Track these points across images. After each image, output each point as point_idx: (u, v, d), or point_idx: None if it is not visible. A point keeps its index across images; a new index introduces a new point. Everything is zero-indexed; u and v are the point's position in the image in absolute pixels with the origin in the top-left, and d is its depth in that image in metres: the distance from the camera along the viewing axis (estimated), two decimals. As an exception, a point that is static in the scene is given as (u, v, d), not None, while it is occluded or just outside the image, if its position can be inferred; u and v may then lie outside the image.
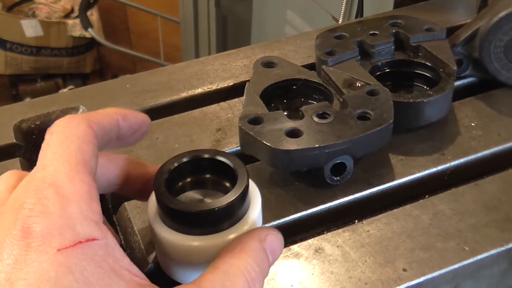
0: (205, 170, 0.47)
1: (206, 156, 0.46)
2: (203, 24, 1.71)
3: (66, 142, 0.37)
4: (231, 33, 1.68)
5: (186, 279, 0.44)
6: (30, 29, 2.59)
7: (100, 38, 2.44)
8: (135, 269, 0.36)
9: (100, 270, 0.33)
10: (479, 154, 0.58)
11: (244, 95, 0.58)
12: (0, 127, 0.64)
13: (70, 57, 2.67)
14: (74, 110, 0.66)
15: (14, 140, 0.62)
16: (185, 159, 0.46)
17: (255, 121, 0.53)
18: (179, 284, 0.38)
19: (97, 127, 0.39)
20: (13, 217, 0.34)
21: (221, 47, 1.69)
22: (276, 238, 0.41)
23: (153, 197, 0.45)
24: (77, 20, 2.53)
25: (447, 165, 0.57)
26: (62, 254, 0.32)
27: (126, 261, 0.36)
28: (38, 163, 0.37)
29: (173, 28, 2.37)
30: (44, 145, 0.38)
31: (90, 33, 2.42)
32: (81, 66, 2.72)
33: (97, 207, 0.36)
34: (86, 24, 2.38)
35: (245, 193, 0.43)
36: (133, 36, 2.80)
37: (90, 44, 2.69)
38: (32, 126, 0.65)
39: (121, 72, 2.58)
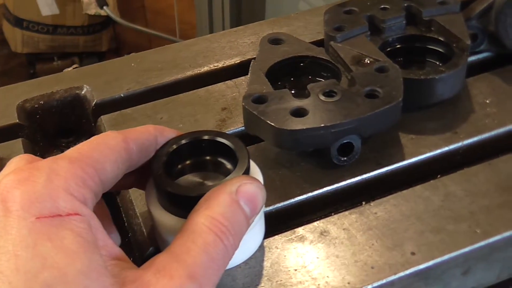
0: (205, 152, 0.46)
1: (206, 137, 0.45)
2: (217, 0, 1.69)
3: (93, 142, 0.39)
4: (245, 9, 1.66)
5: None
6: (46, 7, 2.59)
7: (115, 16, 2.42)
8: (119, 254, 0.36)
9: (79, 239, 0.33)
10: (493, 132, 0.56)
11: (249, 73, 0.56)
12: (3, 107, 0.63)
13: (86, 36, 2.66)
14: (78, 89, 0.65)
15: (17, 120, 0.62)
16: (184, 141, 0.44)
17: (260, 100, 0.52)
18: None
19: (134, 143, 0.41)
20: None
21: (235, 24, 1.67)
22: (252, 187, 0.40)
23: (151, 181, 0.44)
24: (93, -2, 2.52)
25: (460, 144, 0.55)
26: (41, 222, 0.32)
27: (110, 245, 0.36)
28: None
29: (189, 5, 2.35)
30: None
31: (105, 11, 2.40)
32: (97, 44, 2.71)
33: (85, 192, 0.36)
34: (102, 2, 2.36)
35: (246, 175, 0.42)
36: (148, 13, 2.78)
37: (106, 22, 2.67)
38: (36, 106, 0.64)
39: (137, 50, 2.56)
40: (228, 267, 0.45)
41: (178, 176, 0.45)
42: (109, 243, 0.36)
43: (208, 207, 0.38)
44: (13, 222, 0.32)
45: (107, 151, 0.39)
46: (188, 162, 0.46)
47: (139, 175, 0.45)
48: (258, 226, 0.45)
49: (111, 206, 0.55)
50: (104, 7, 2.37)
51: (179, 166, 0.45)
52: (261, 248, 0.47)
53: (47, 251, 0.32)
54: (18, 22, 2.58)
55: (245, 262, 0.46)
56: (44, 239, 0.32)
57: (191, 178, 0.46)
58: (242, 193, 0.39)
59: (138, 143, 0.41)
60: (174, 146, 0.44)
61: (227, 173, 0.43)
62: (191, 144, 0.45)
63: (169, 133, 0.45)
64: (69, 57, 2.69)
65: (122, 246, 0.52)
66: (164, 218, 0.42)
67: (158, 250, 0.47)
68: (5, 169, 0.38)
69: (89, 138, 0.40)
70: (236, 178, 0.40)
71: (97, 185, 0.37)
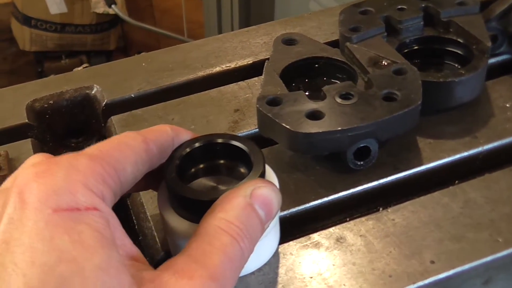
0: (219, 155, 0.44)
1: (220, 141, 0.44)
2: (226, 0, 1.68)
3: (114, 141, 0.38)
4: (254, 9, 1.64)
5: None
6: (54, 5, 2.58)
7: (123, 15, 2.41)
8: (137, 255, 0.35)
9: (98, 235, 0.32)
10: (514, 137, 0.54)
11: (263, 75, 0.55)
12: (12, 106, 0.62)
13: (94, 34, 2.65)
14: (88, 89, 0.64)
15: (27, 120, 0.61)
16: (197, 144, 0.43)
17: (274, 102, 0.50)
18: None
19: (154, 145, 0.40)
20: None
21: (244, 23, 1.65)
22: (266, 191, 0.39)
23: (163, 185, 0.43)
24: (101, -3, 2.51)
25: (480, 149, 0.53)
26: (58, 215, 0.31)
27: (129, 245, 0.35)
28: None
29: (196, 4, 2.34)
30: None
31: (113, 9, 2.40)
32: (105, 43, 2.70)
33: (103, 189, 0.35)
34: (110, 0, 2.36)
35: (261, 178, 0.41)
36: (156, 12, 2.77)
37: (114, 21, 2.67)
38: (45, 105, 0.63)
39: (145, 49, 2.56)
40: (242, 274, 0.44)
41: (191, 179, 0.44)
42: (127, 243, 0.35)
43: (222, 210, 0.37)
44: (30, 215, 0.31)
45: (128, 151, 0.38)
46: (201, 165, 0.44)
47: (154, 176, 0.44)
48: (272, 233, 0.44)
49: (121, 208, 0.54)
50: (112, 6, 2.37)
51: (193, 170, 0.44)
52: (275, 254, 0.45)
53: (64, 244, 0.31)
54: (26, 21, 2.57)
55: (259, 269, 0.44)
56: (61, 232, 0.31)
57: (204, 182, 0.44)
58: (256, 196, 0.38)
59: (158, 145, 0.40)
60: (188, 150, 0.43)
61: (241, 177, 0.41)
62: (204, 148, 0.43)
63: (185, 135, 0.44)
64: (77, 56, 2.68)
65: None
66: (177, 222, 0.41)
67: (169, 254, 0.46)
68: (22, 165, 0.37)
69: (98, 138, 0.39)
70: (250, 182, 0.39)
71: (117, 184, 0.36)
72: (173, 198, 0.41)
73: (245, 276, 0.44)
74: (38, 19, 2.58)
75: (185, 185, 0.41)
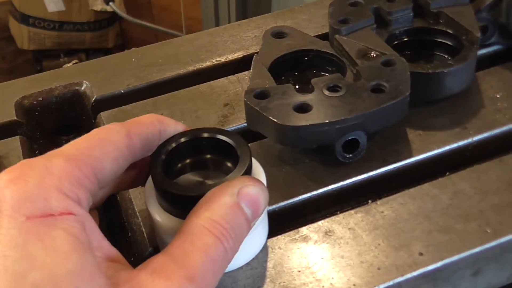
0: (206, 150, 0.44)
1: (206, 135, 0.43)
2: (223, -6, 1.68)
3: (94, 138, 0.37)
4: (251, 4, 1.64)
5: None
6: (52, 4, 2.58)
7: (121, 12, 2.41)
8: (114, 255, 0.35)
9: (72, 239, 0.32)
10: (505, 128, 0.54)
11: (251, 68, 0.54)
12: (1, 103, 0.62)
13: (92, 32, 2.65)
14: (78, 85, 0.64)
15: (15, 117, 0.60)
16: (183, 139, 0.43)
17: (262, 95, 0.50)
18: None
19: (138, 139, 0.39)
20: None
21: (241, 17, 1.65)
22: (254, 189, 0.38)
23: (150, 181, 0.42)
24: (98, -6, 2.51)
25: (469, 140, 0.53)
26: (32, 222, 0.31)
27: (106, 247, 0.35)
28: None
29: (194, 0, 2.34)
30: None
31: (111, 7, 2.40)
32: (104, 41, 2.70)
33: (80, 193, 0.34)
34: (108, -2, 2.36)
35: (248, 173, 0.41)
36: (154, 9, 2.76)
37: (112, 18, 2.66)
38: (35, 102, 0.63)
39: (144, 46, 2.56)
40: (230, 269, 0.44)
41: (178, 175, 0.44)
42: (105, 244, 0.35)
43: (208, 208, 0.36)
44: (3, 223, 0.31)
45: (108, 147, 0.37)
46: (188, 160, 0.44)
47: (141, 171, 0.43)
48: (260, 227, 0.43)
49: (110, 204, 0.54)
50: (110, 3, 2.36)
51: (179, 165, 0.44)
52: (263, 249, 0.45)
53: (37, 251, 0.31)
54: (24, 19, 2.57)
55: (247, 263, 0.44)
56: (34, 239, 0.31)
57: (191, 177, 0.44)
58: (243, 195, 0.38)
59: (142, 138, 0.40)
60: (174, 145, 0.42)
61: (228, 171, 0.41)
62: (191, 142, 0.43)
63: (174, 126, 0.43)
64: (75, 54, 2.68)
65: (121, 245, 0.51)
66: (163, 218, 0.41)
67: (157, 250, 0.46)
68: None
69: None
70: (238, 179, 0.39)
71: (94, 184, 0.36)
72: (159, 193, 0.41)
73: (233, 270, 0.44)
74: (36, 17, 2.58)
75: (172, 180, 0.40)
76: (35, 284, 0.30)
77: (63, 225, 0.32)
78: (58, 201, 0.33)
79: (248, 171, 0.41)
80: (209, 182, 0.43)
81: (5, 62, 2.76)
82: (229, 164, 0.44)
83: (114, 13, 2.54)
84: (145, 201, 0.42)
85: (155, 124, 0.42)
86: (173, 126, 0.43)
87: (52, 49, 2.66)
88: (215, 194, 0.37)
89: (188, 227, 0.36)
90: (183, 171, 0.44)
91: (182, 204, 0.39)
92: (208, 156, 0.44)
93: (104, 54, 2.70)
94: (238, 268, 0.44)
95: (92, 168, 0.36)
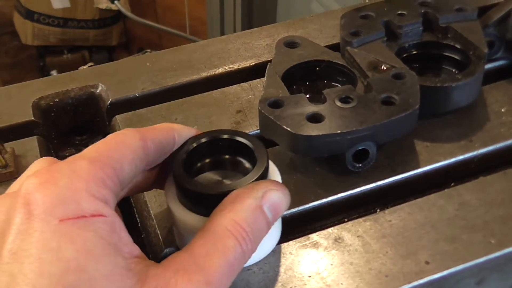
0: (224, 151, 0.46)
1: (225, 136, 0.45)
2: (228, -1, 1.69)
3: (111, 142, 0.39)
4: (257, 8, 1.65)
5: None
6: (57, 0, 2.59)
7: (126, 11, 2.42)
8: (138, 252, 0.36)
9: (103, 242, 0.33)
10: (509, 142, 0.55)
11: (265, 77, 0.56)
12: (18, 103, 0.63)
13: (96, 30, 2.66)
14: (93, 87, 0.65)
15: (32, 118, 0.62)
16: (203, 140, 0.45)
17: (276, 104, 0.52)
18: None
19: (152, 143, 0.40)
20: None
21: (246, 22, 1.66)
22: (277, 194, 0.40)
23: (171, 179, 0.44)
24: (104, -8, 2.52)
25: (475, 152, 0.55)
26: (65, 224, 0.32)
27: (131, 244, 0.36)
28: None
29: (199, 0, 2.35)
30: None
31: (116, 5, 2.40)
32: (107, 38, 2.71)
33: (108, 195, 0.36)
34: (113, -4, 2.37)
35: (264, 174, 0.42)
36: (159, 9, 2.77)
37: (116, 16, 2.67)
38: (51, 103, 0.64)
39: (147, 46, 2.57)
40: (246, 264, 0.45)
41: (197, 174, 0.46)
42: (130, 241, 0.36)
43: (233, 209, 0.38)
44: (37, 226, 0.32)
45: (124, 150, 0.38)
46: (207, 160, 0.46)
47: (157, 174, 0.45)
48: (275, 227, 0.45)
49: (125, 206, 0.55)
50: (115, 2, 2.37)
51: (199, 164, 0.46)
52: (275, 254, 0.47)
53: (70, 254, 0.32)
54: (29, 15, 2.58)
55: (259, 267, 0.46)
56: (68, 242, 0.32)
57: (210, 176, 0.46)
58: (267, 199, 0.39)
59: (156, 142, 0.41)
60: (194, 145, 0.44)
61: (245, 172, 0.43)
62: (210, 143, 0.45)
63: (187, 133, 0.45)
64: (79, 51, 2.69)
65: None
66: (183, 215, 0.43)
67: (172, 252, 0.47)
68: (26, 171, 0.38)
69: (103, 136, 0.40)
70: (263, 183, 0.40)
71: (116, 185, 0.37)
72: (180, 191, 0.43)
73: (246, 274, 0.45)
74: (41, 13, 2.59)
75: (192, 179, 0.42)
76: (71, 286, 0.31)
77: (93, 226, 0.33)
78: (88, 203, 0.34)
79: (265, 172, 0.43)
80: (227, 181, 0.45)
81: (9, 57, 2.77)
82: (246, 165, 0.45)
83: (118, 12, 2.55)
84: (166, 198, 0.44)
85: (168, 131, 0.43)
86: (187, 131, 0.45)
87: (56, 45, 2.67)
88: (240, 196, 0.39)
89: (212, 226, 0.37)
90: (202, 170, 0.46)
91: (202, 201, 0.41)
92: (227, 156, 0.46)
93: (108, 52, 2.71)
94: (251, 272, 0.45)
95: (113, 169, 0.37)
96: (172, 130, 0.43)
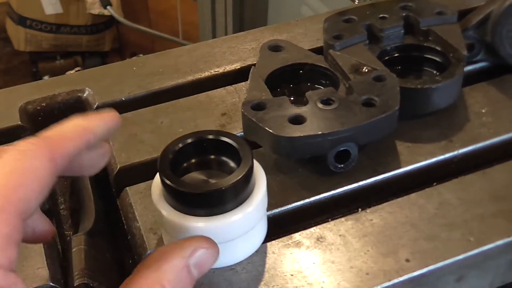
0: (210, 151, 0.47)
1: (210, 136, 0.46)
2: (220, 3, 1.70)
3: (15, 173, 0.33)
4: (248, 12, 1.66)
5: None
6: (50, 6, 2.59)
7: (119, 16, 2.43)
8: None
9: None
10: (489, 142, 0.56)
11: (249, 80, 0.57)
12: (5, 108, 0.64)
13: (89, 35, 2.66)
14: (80, 92, 0.66)
15: (20, 122, 0.62)
16: (189, 140, 0.46)
17: (259, 107, 0.53)
18: None
19: (62, 159, 0.36)
20: None
21: (238, 27, 1.68)
22: (206, 253, 0.39)
23: (157, 178, 0.45)
24: (96, -2, 2.53)
25: (455, 152, 0.56)
26: None
27: None
28: None
29: (192, 6, 2.36)
30: None
31: (109, 11, 2.41)
32: (100, 44, 2.72)
33: (11, 253, 0.31)
34: (105, 2, 2.37)
35: (249, 173, 0.43)
36: (152, 14, 2.78)
37: (109, 22, 2.68)
38: (38, 108, 0.65)
39: (140, 51, 2.58)
40: (232, 263, 0.46)
41: (183, 174, 0.46)
42: None
43: (158, 269, 0.36)
44: None
45: (32, 184, 0.33)
46: (193, 160, 0.47)
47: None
48: (259, 228, 0.46)
49: (111, 208, 0.56)
50: (108, 7, 2.38)
51: (185, 165, 0.47)
52: (258, 253, 0.47)
53: None
54: (21, 21, 2.58)
55: (242, 267, 0.47)
56: None
57: (196, 176, 0.47)
58: (195, 257, 0.38)
59: (68, 156, 0.36)
60: (180, 145, 0.45)
61: (230, 171, 0.44)
62: (196, 143, 0.46)
63: (103, 128, 0.40)
64: (72, 56, 2.70)
65: (122, 249, 0.53)
66: (170, 214, 0.43)
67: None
68: None
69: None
70: (192, 240, 0.39)
71: (19, 231, 0.32)
72: (166, 191, 0.43)
73: (229, 274, 0.46)
74: (33, 19, 2.59)
75: (178, 178, 0.43)
76: None
77: None
78: None
79: (250, 171, 0.43)
80: (213, 181, 0.46)
81: (1, 63, 2.78)
82: (231, 164, 0.46)
83: (111, 17, 2.55)
84: (152, 198, 0.45)
85: (82, 135, 0.38)
86: (102, 127, 0.40)
87: (49, 51, 2.67)
88: (167, 253, 0.38)
89: (138, 278, 0.36)
90: (188, 170, 0.47)
91: (188, 200, 0.42)
92: (212, 156, 0.47)
93: (101, 57, 2.72)
94: (234, 271, 0.46)
95: (19, 216, 0.32)
96: (85, 133, 0.38)
